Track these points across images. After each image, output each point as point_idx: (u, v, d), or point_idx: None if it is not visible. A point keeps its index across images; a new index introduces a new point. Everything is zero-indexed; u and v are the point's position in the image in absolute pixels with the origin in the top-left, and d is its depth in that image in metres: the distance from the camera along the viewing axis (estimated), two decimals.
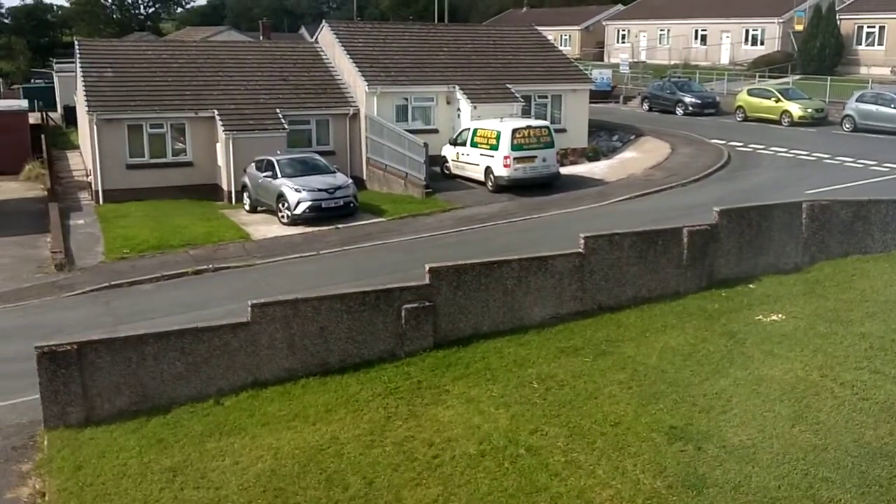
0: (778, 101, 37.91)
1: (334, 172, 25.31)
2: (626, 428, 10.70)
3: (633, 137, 35.00)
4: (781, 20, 56.45)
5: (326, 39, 33.25)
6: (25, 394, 12.62)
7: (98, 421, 11.78)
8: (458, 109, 30.58)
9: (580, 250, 14.71)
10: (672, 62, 60.72)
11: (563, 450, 10.26)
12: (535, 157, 26.01)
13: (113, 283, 19.26)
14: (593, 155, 32.25)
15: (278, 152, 26.14)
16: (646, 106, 44.82)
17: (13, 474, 10.84)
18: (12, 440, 11.74)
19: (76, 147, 40.10)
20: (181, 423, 11.59)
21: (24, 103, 41.61)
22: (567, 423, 10.92)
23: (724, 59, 59.79)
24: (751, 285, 15.80)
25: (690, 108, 41.84)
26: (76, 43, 31.97)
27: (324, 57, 32.76)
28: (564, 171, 28.20)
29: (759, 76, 48.86)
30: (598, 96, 43.04)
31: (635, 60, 61.91)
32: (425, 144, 26.10)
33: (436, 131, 30.23)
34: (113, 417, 11.84)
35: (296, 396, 12.20)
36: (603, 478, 9.63)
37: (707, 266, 15.81)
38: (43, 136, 38.27)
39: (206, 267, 20.06)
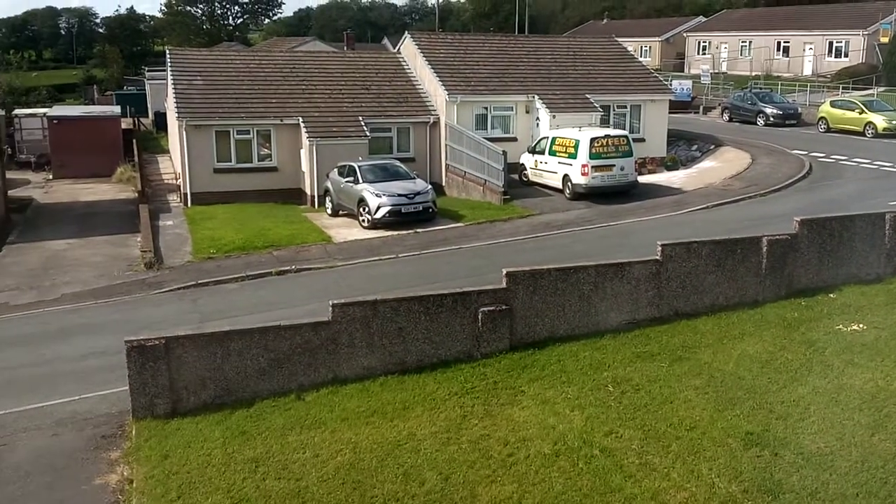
0: (862, 112, 36.88)
1: (414, 178, 25.71)
2: (701, 432, 10.64)
3: (712, 147, 34.46)
4: (866, 32, 55.02)
5: (408, 50, 33.80)
6: (115, 385, 13.12)
7: (184, 413, 12.15)
8: (537, 118, 30.67)
9: (657, 257, 14.65)
10: (753, 73, 59.52)
11: (638, 452, 10.26)
12: (614, 165, 25.90)
13: (199, 281, 19.95)
14: (672, 164, 31.90)
15: (360, 158, 26.71)
16: (726, 116, 44.09)
17: (102, 462, 11.25)
18: (102, 429, 12.19)
19: (166, 151, 41.62)
20: (264, 417, 11.91)
21: (116, 109, 43.39)
22: (642, 426, 10.91)
23: (807, 71, 58.34)
24: (831, 295, 15.48)
25: (772, 119, 40.99)
26: (167, 52, 33.30)
27: (405, 67, 33.30)
28: (642, 179, 27.99)
29: (843, 88, 47.51)
30: (677, 106, 42.54)
31: (716, 71, 60.89)
32: (504, 152, 26.29)
33: (514, 139, 30.39)
34: (198, 409, 12.19)
35: (374, 393, 12.44)
36: (677, 480, 9.60)
37: (786, 275, 15.54)
38: (134, 141, 39.88)
39: (288, 268, 20.62)
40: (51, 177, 38.00)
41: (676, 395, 11.77)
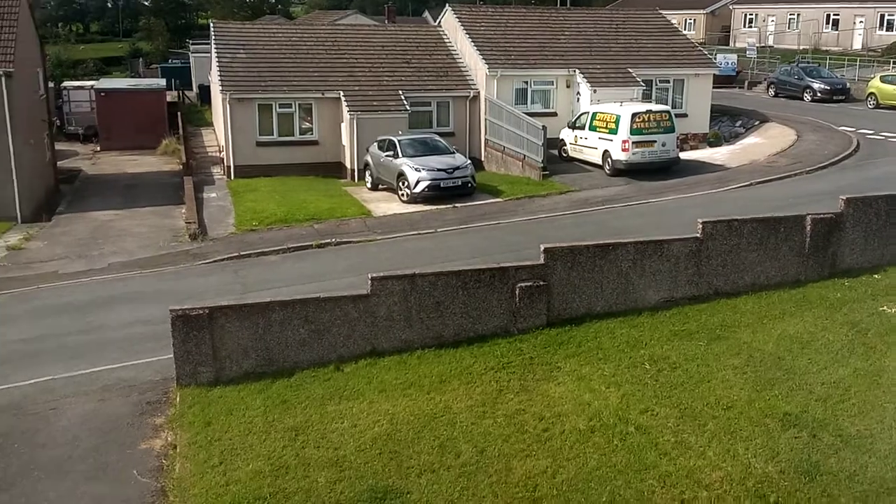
0: None
1: (453, 153, 25.71)
2: (738, 412, 10.61)
3: (756, 123, 33.87)
4: None
5: (449, 23, 33.64)
6: (160, 353, 13.43)
7: (226, 381, 12.40)
8: (578, 93, 30.39)
9: (698, 235, 14.53)
10: (801, 47, 58.08)
11: (674, 430, 10.27)
12: (655, 141, 25.61)
13: (242, 253, 20.26)
14: (715, 140, 31.44)
15: (400, 132, 26.76)
16: (772, 91, 43.21)
17: (148, 427, 11.55)
18: (147, 396, 12.51)
19: (209, 124, 42.08)
20: (303, 386, 12.12)
21: (162, 82, 43.86)
22: (678, 404, 10.91)
23: (857, 45, 56.74)
24: (876, 276, 15.24)
25: (819, 95, 40.07)
26: (211, 25, 33.55)
27: (446, 40, 33.17)
28: (684, 156, 27.64)
29: (894, 62, 46.17)
30: (721, 81, 41.84)
31: (762, 45, 59.58)
32: (544, 127, 26.13)
33: (554, 114, 30.16)
34: (240, 378, 12.44)
35: (412, 366, 12.58)
36: (713, 459, 9.61)
37: (830, 255, 15.33)
38: (179, 114, 40.33)
39: (329, 241, 20.84)
40: (98, 148, 38.71)
41: (714, 374, 11.73)
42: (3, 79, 24.84)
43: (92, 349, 14.56)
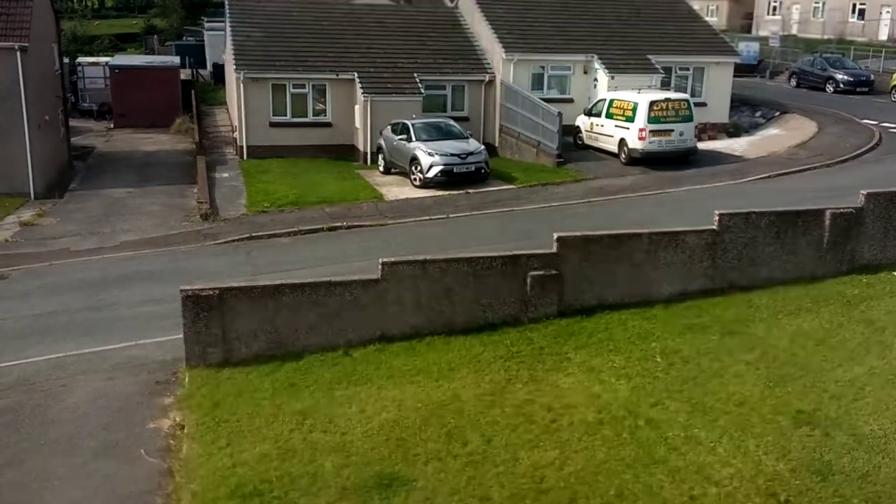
0: None
1: (467, 138, 25.56)
2: (750, 408, 10.49)
3: (777, 114, 33.53)
4: None
5: (466, 5, 33.34)
6: (170, 333, 13.43)
7: (235, 363, 12.40)
8: (595, 79, 30.11)
9: (714, 227, 14.36)
10: (825, 36, 57.34)
11: (684, 425, 10.17)
12: (672, 130, 25.36)
13: (253, 234, 20.26)
14: (734, 130, 31.13)
15: (413, 116, 26.60)
16: (793, 82, 42.74)
17: (156, 406, 11.58)
18: (156, 375, 12.54)
19: (223, 103, 41.99)
20: (312, 370, 12.10)
21: (176, 60, 43.68)
22: (689, 399, 10.79)
23: (883, 36, 55.91)
24: (895, 273, 15.01)
25: (842, 86, 39.61)
26: (226, 3, 33.32)
27: (463, 23, 32.90)
28: (702, 146, 27.40)
29: None
30: (743, 70, 41.29)
31: (786, 34, 58.87)
32: (559, 114, 25.92)
33: (571, 101, 29.91)
34: (249, 360, 12.43)
35: (420, 353, 12.53)
36: (724, 456, 9.50)
37: (849, 250, 15.12)
38: (193, 92, 40.23)
39: (340, 224, 20.79)
40: (112, 126, 38.71)
41: (727, 369, 11.60)
42: (18, 53, 24.81)
43: (103, 327, 14.63)
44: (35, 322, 15.10)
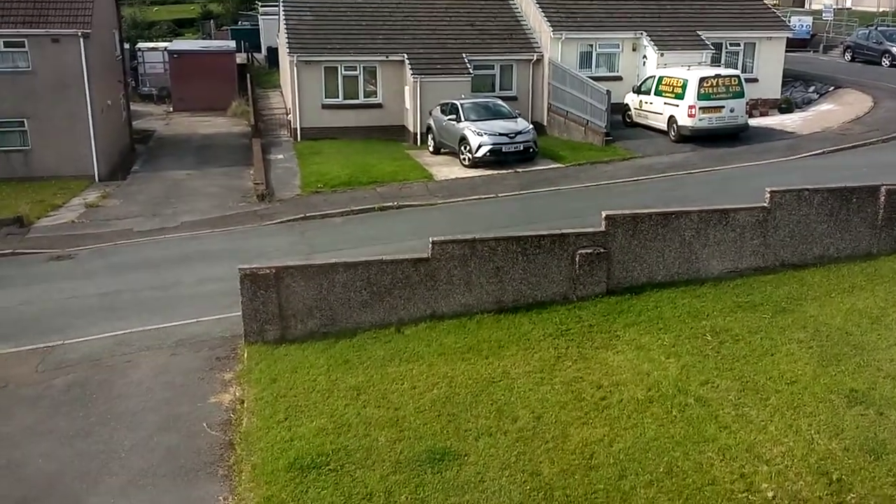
0: None
1: (515, 118, 25.57)
2: (802, 387, 10.45)
3: (831, 89, 32.76)
4: None
5: None
6: (230, 310, 13.83)
7: (291, 339, 12.70)
8: (644, 56, 29.79)
9: (765, 204, 14.25)
10: (880, 9, 55.56)
11: (734, 403, 10.19)
12: (723, 107, 25.03)
13: (307, 214, 20.64)
14: (786, 106, 30.56)
15: (462, 96, 26.70)
16: (848, 56, 41.56)
17: (216, 381, 11.95)
18: (217, 351, 12.93)
19: (277, 87, 42.52)
20: (365, 347, 12.34)
21: (232, 44, 44.38)
22: (740, 377, 10.80)
23: None
24: None
25: None
26: None
27: (510, 2, 32.76)
28: (753, 122, 26.97)
29: None
30: (795, 45, 40.39)
31: (840, 7, 57.18)
32: (608, 92, 25.76)
33: (619, 79, 29.68)
34: (304, 337, 12.72)
35: (471, 331, 12.69)
36: (774, 434, 9.51)
37: None
38: (248, 76, 40.86)
39: (391, 204, 21.05)
40: (171, 109, 39.56)
41: (778, 347, 11.56)
42: (81, 40, 25.54)
43: (165, 305, 15.10)
44: (101, 300, 15.66)
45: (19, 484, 9.63)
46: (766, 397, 10.29)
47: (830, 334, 11.88)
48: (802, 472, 8.84)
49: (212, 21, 67.56)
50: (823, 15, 49.52)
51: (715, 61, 29.41)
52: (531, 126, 25.64)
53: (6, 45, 25.55)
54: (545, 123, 29.64)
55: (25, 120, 26.12)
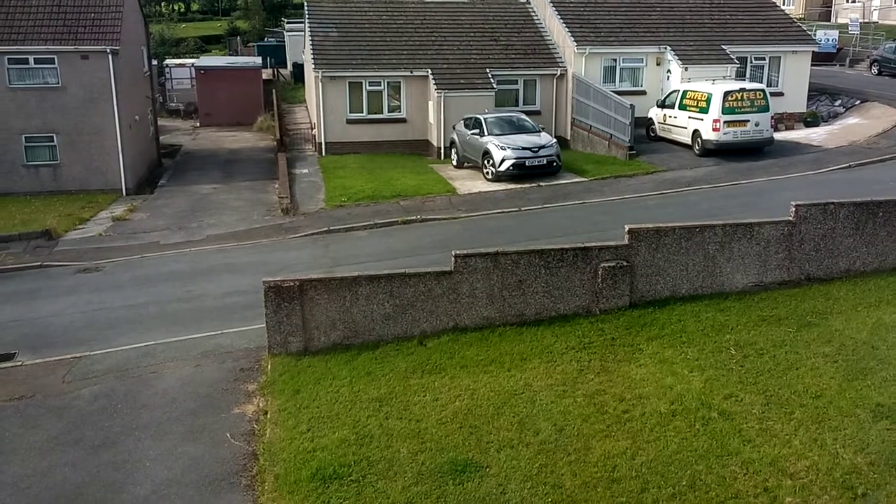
0: None
1: (539, 132, 25.62)
2: (827, 401, 10.36)
3: (857, 102, 32.49)
4: None
5: (538, 0, 33.34)
6: (253, 322, 13.98)
7: (314, 351, 12.77)
8: (668, 71, 29.77)
9: (790, 218, 14.17)
10: None
11: (759, 417, 10.11)
12: (748, 121, 24.93)
13: (331, 228, 20.78)
14: (812, 120, 30.36)
15: (486, 111, 26.82)
16: (875, 70, 41.20)
17: (240, 392, 12.04)
18: (241, 363, 13.05)
19: (302, 102, 42.95)
20: (388, 359, 12.38)
21: (258, 60, 44.94)
22: (764, 391, 10.72)
23: None
24: None
25: None
26: (305, 4, 34.13)
27: (534, 17, 32.92)
28: (779, 136, 26.83)
29: None
30: (821, 59, 40.14)
31: (866, 21, 56.79)
32: (631, 106, 25.75)
33: (643, 93, 29.66)
34: (327, 349, 12.79)
35: (493, 343, 12.69)
36: (799, 448, 9.42)
37: None
38: (274, 91, 41.32)
39: (414, 217, 21.14)
40: (198, 124, 40.09)
41: (803, 361, 11.46)
42: (109, 56, 25.98)
43: (191, 316, 15.26)
44: (127, 312, 15.86)
45: (46, 493, 9.76)
46: (791, 411, 10.20)
47: (856, 348, 11.76)
48: (827, 487, 8.75)
49: (238, 38, 68.48)
50: (850, 29, 49.20)
51: (739, 75, 29.33)
52: (554, 140, 25.68)
53: (36, 61, 26.05)
54: (569, 138, 29.67)
55: (55, 135, 26.58)
